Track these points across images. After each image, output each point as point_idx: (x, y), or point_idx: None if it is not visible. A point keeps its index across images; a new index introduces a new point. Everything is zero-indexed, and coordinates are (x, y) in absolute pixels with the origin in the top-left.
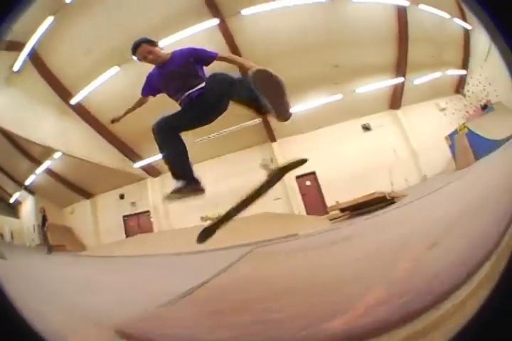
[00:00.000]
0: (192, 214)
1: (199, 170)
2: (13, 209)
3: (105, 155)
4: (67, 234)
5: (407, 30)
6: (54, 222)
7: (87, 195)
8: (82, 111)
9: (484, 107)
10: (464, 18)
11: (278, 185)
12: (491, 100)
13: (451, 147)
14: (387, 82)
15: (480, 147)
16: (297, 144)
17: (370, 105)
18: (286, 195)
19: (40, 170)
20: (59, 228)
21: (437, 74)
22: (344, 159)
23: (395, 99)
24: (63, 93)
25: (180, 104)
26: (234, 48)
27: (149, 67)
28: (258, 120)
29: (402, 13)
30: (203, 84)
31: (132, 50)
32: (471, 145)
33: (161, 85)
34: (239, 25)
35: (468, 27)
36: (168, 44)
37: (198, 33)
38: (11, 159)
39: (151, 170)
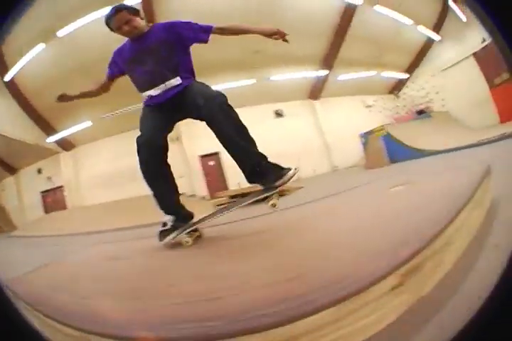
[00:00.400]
0: (101, 189)
1: (101, 148)
2: None
3: (24, 130)
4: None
5: (348, 27)
6: None
7: (12, 170)
8: (10, 87)
9: (420, 112)
10: (435, 29)
11: (182, 163)
12: (432, 107)
13: (364, 145)
14: (310, 73)
15: (397, 152)
16: (203, 124)
17: (287, 93)
18: (190, 173)
19: None
20: None
21: (371, 73)
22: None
23: (316, 90)
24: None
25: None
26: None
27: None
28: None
29: (349, 11)
30: (181, 81)
31: (107, 17)
32: (387, 148)
33: (126, 65)
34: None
35: (436, 37)
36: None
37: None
38: None
39: (64, 144)
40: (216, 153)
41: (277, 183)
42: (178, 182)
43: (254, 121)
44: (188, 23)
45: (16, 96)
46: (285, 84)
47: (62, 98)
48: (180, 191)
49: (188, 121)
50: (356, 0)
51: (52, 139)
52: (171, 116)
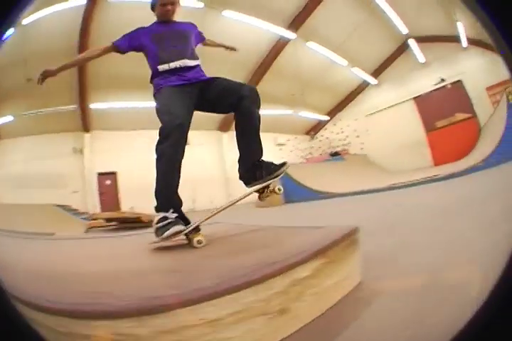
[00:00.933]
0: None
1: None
2: None
3: None
4: None
5: (273, 60)
6: None
7: None
8: None
9: (334, 154)
10: (376, 72)
11: (78, 178)
12: (348, 150)
13: None
14: None
15: (293, 192)
16: (109, 140)
17: (195, 121)
18: (85, 189)
19: None
20: None
21: (288, 111)
22: (150, 166)
23: (226, 122)
24: None
25: (163, 74)
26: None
27: None
28: (75, 106)
29: (279, 44)
30: (198, 66)
31: None
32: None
33: (153, 40)
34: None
35: (373, 81)
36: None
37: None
38: None
39: None
40: (113, 173)
41: (277, 173)
42: (73, 197)
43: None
44: (197, 27)
45: None
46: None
47: (48, 73)
48: (74, 207)
49: (95, 134)
50: (289, 34)
51: None
52: (192, 103)
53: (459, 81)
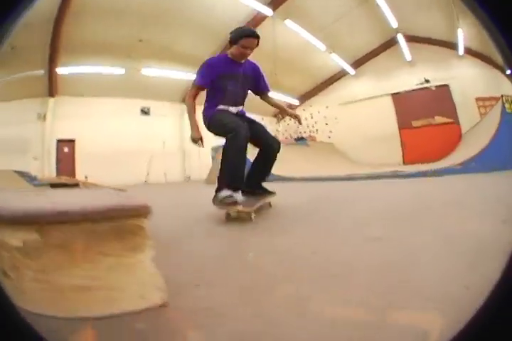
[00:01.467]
0: None
1: None
2: None
3: None
4: None
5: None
6: None
7: None
8: None
9: (298, 139)
10: (357, 62)
11: (39, 144)
12: (314, 137)
13: (212, 159)
14: (189, 76)
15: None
16: (73, 106)
17: (159, 91)
18: (44, 156)
19: None
20: None
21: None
22: (108, 135)
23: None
24: None
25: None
26: None
27: None
28: (43, 71)
29: (257, 19)
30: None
31: (250, 32)
32: None
33: (221, 78)
34: None
35: (351, 72)
36: None
37: None
38: None
39: None
40: (73, 140)
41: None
42: (32, 164)
43: (119, 113)
44: (262, 74)
45: None
46: (159, 81)
47: (198, 140)
48: (32, 173)
49: (60, 99)
50: (267, 11)
51: None
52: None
53: (445, 85)
